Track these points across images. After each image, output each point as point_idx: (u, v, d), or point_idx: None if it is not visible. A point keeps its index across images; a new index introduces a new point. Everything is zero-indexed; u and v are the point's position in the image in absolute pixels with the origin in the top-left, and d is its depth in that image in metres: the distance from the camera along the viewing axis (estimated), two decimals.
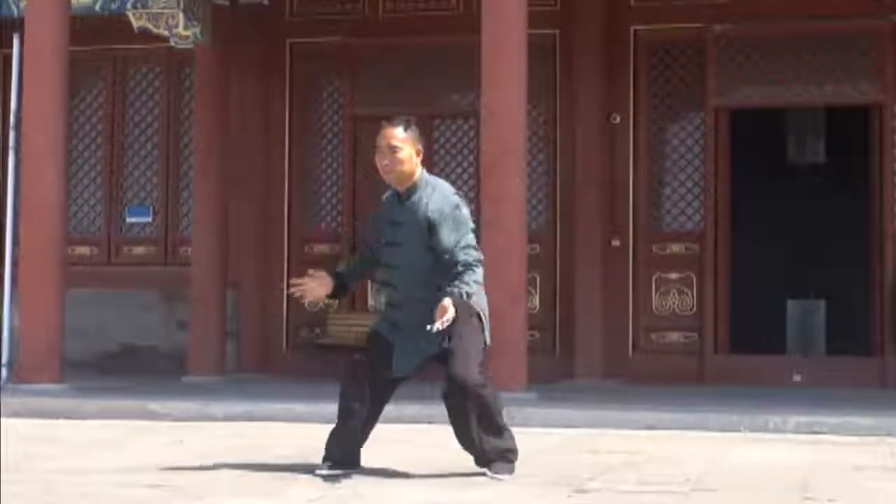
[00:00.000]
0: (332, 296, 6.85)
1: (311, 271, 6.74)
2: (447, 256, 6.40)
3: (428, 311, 6.34)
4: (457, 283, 6.34)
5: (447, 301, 6.26)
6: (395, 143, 6.56)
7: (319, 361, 13.40)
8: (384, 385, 6.65)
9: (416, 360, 6.55)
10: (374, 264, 6.85)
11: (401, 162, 6.57)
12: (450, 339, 6.38)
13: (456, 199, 6.57)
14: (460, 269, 6.37)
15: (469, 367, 6.41)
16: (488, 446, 6.54)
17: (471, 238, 6.50)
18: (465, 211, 6.56)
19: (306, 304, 6.70)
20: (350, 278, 6.98)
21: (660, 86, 13.68)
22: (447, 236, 6.41)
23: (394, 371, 6.55)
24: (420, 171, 6.67)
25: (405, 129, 6.60)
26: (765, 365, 13.32)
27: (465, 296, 6.31)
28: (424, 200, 6.52)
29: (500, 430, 6.58)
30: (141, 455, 7.57)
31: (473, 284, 6.38)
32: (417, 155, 6.64)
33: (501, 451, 6.56)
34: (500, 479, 6.41)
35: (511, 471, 6.51)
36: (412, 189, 6.60)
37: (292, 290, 6.72)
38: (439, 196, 6.54)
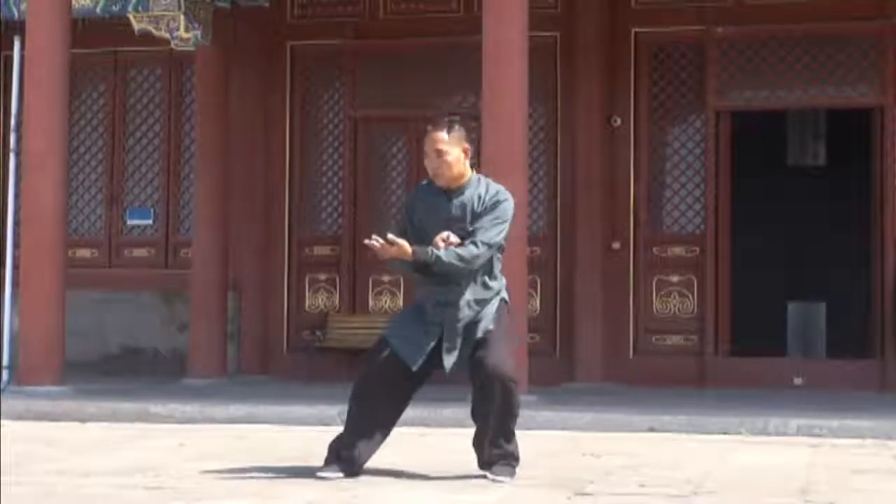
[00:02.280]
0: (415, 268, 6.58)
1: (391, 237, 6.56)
2: (476, 234, 6.45)
3: (476, 313, 6.49)
4: (449, 251, 6.39)
5: (402, 241, 6.35)
6: (440, 146, 6.57)
7: (320, 364, 13.41)
8: (405, 388, 6.60)
9: (460, 362, 6.54)
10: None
11: (449, 165, 6.58)
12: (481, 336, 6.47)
13: (507, 194, 6.66)
14: (471, 242, 6.44)
15: (504, 359, 6.50)
16: (496, 450, 6.54)
17: (498, 232, 6.54)
18: (510, 209, 6.62)
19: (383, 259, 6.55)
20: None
21: (660, 88, 13.68)
22: (488, 224, 6.49)
23: (446, 369, 6.53)
24: (471, 170, 6.70)
25: (449, 132, 6.61)
26: (765, 367, 13.32)
27: (430, 254, 6.33)
28: (477, 193, 6.55)
29: (510, 434, 6.60)
30: (141, 457, 7.57)
31: (455, 257, 6.38)
32: (465, 154, 6.66)
33: (505, 456, 6.56)
34: (500, 482, 6.41)
35: (512, 475, 6.51)
36: (464, 186, 6.60)
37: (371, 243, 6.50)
38: (492, 188, 6.65)
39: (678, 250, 13.58)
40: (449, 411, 9.73)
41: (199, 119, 13.74)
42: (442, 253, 6.40)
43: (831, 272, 15.57)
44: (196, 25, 13.07)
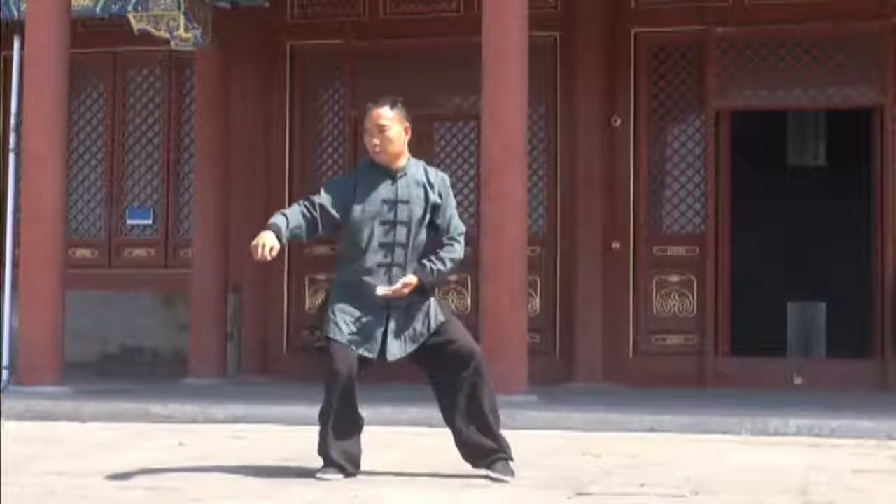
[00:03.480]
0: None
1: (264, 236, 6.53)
2: (447, 230, 6.58)
3: (424, 298, 6.56)
4: (435, 259, 6.50)
5: (413, 278, 6.43)
6: (383, 122, 6.58)
7: (320, 364, 13.38)
8: (359, 376, 6.59)
9: (412, 347, 6.55)
10: (314, 231, 6.69)
11: (391, 141, 6.59)
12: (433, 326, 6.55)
13: (444, 174, 6.75)
14: (449, 242, 6.57)
15: (473, 341, 6.61)
16: (489, 442, 6.54)
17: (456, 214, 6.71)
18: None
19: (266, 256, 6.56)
20: (290, 236, 6.68)
21: (660, 88, 13.68)
22: (451, 212, 6.62)
23: (387, 356, 6.53)
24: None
25: (392, 108, 6.62)
26: (765, 367, 13.31)
27: (434, 273, 6.46)
28: (423, 177, 6.57)
29: (498, 420, 6.62)
30: (141, 457, 7.57)
31: (449, 263, 6.53)
32: (406, 133, 6.66)
33: (499, 451, 6.55)
34: (504, 481, 6.41)
35: (512, 473, 6.51)
36: (406, 167, 6.62)
37: (256, 249, 6.51)
38: (434, 172, 6.67)
39: (678, 250, 13.58)
40: None
41: (199, 119, 13.73)
42: (439, 266, 6.45)
43: (831, 272, 15.57)
44: (196, 25, 13.06)
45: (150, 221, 14.85)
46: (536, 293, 13.51)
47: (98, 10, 13.20)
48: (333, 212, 6.59)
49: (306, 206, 6.61)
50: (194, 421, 9.96)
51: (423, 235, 6.61)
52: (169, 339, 14.31)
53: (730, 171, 13.47)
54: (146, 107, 15.03)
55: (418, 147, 14.06)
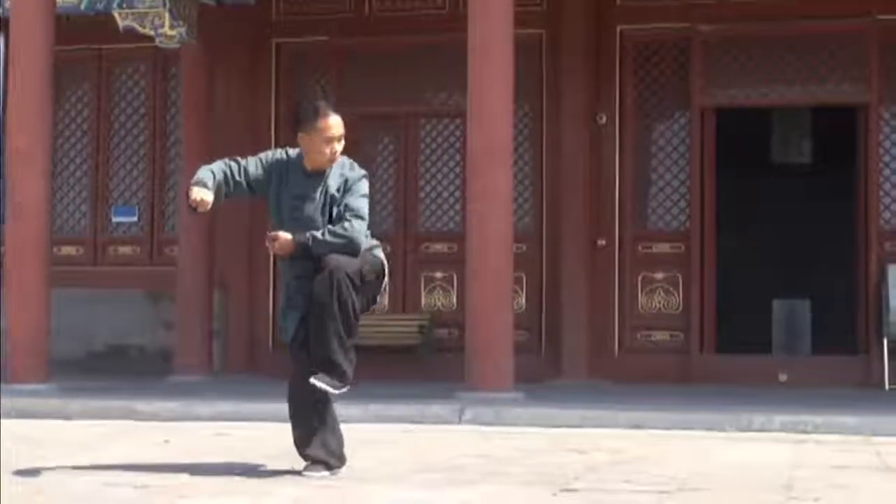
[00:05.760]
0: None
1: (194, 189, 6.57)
2: (339, 212, 6.50)
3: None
4: (324, 230, 6.43)
5: (284, 234, 6.43)
6: (342, 131, 6.60)
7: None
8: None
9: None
10: (233, 194, 6.75)
11: (341, 148, 6.60)
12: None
13: (363, 171, 6.68)
14: (341, 220, 6.46)
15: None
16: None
17: (363, 203, 6.55)
18: (366, 183, 6.64)
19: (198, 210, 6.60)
20: (217, 193, 6.71)
21: (646, 85, 13.71)
22: (349, 200, 6.50)
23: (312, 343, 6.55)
24: None
25: (336, 114, 6.62)
26: (750, 364, 13.36)
27: (310, 239, 6.40)
28: (338, 175, 6.56)
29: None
30: (127, 455, 7.56)
31: (329, 235, 6.40)
32: None
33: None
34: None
35: (335, 387, 6.41)
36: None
37: (193, 202, 6.54)
38: (349, 168, 6.62)
39: (663, 247, 13.61)
40: (435, 408, 9.75)
41: (185, 116, 13.72)
42: (317, 233, 6.41)
43: (816, 269, 15.62)
44: (181, 23, 13.05)
45: (135, 219, 14.83)
46: (522, 290, 13.53)
47: (83, 6, 13.19)
48: (252, 188, 6.68)
49: (231, 168, 6.64)
50: (180, 418, 9.95)
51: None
52: (154, 337, 14.30)
53: (715, 168, 13.50)
54: (131, 104, 15.01)
55: (403, 144, 14.16)
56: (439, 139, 14.15)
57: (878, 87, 13.11)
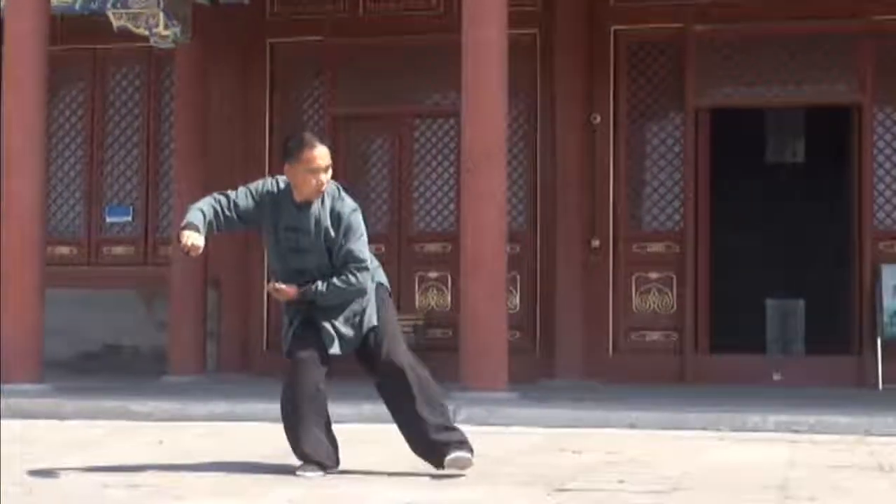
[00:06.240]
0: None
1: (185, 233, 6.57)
2: (342, 259, 6.57)
3: (345, 301, 6.60)
4: (328, 280, 6.54)
5: (287, 287, 6.57)
6: (329, 161, 6.63)
7: None
8: (322, 370, 6.66)
9: (349, 346, 6.62)
10: (225, 229, 6.83)
11: (328, 179, 6.61)
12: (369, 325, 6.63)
13: (354, 203, 6.70)
14: (345, 272, 6.55)
15: (399, 348, 6.67)
16: (441, 436, 6.55)
17: (363, 245, 6.63)
18: (359, 217, 6.69)
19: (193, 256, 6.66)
20: (208, 231, 6.74)
21: (640, 86, 13.71)
22: (346, 244, 6.57)
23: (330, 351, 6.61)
24: None
25: (324, 145, 6.64)
26: (744, 364, 13.37)
27: (314, 292, 6.53)
28: (328, 207, 6.58)
29: (444, 413, 6.65)
30: (121, 455, 7.56)
31: (333, 287, 6.52)
32: None
33: (455, 441, 6.58)
34: (462, 474, 6.42)
35: (470, 462, 6.50)
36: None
37: (185, 247, 6.53)
38: (339, 198, 6.65)
39: (657, 247, 13.62)
40: None
41: (179, 116, 13.70)
42: (322, 286, 6.51)
43: (810, 269, 15.63)
44: (175, 23, 13.04)
45: (129, 219, 14.82)
46: (516, 290, 13.53)
47: (77, 6, 13.16)
48: (244, 220, 6.77)
49: (220, 203, 6.65)
50: (174, 418, 9.94)
51: (328, 260, 6.60)
52: (148, 337, 14.28)
53: (709, 168, 13.51)
54: (125, 104, 15.00)
55: (398, 145, 14.16)
56: (433, 139, 14.15)
57: (871, 88, 13.13)
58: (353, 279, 6.55)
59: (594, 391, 11.99)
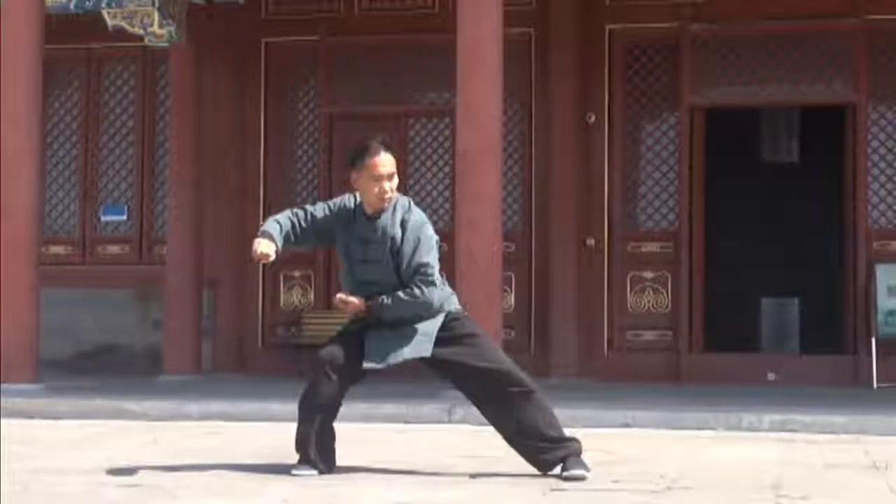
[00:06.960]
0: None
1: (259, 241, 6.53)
2: (411, 271, 6.49)
3: (413, 317, 6.51)
4: (395, 293, 6.46)
5: (354, 299, 6.50)
6: (393, 169, 6.55)
7: (295, 361, 13.39)
8: (349, 380, 6.63)
9: (391, 358, 6.56)
10: (305, 241, 6.82)
11: (395, 188, 6.56)
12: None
13: (424, 216, 6.65)
14: (411, 284, 6.49)
15: (501, 355, 6.69)
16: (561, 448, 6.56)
17: (432, 258, 6.56)
18: (429, 229, 6.63)
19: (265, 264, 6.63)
20: (285, 243, 6.68)
21: (635, 85, 13.72)
22: (413, 253, 6.50)
23: (366, 359, 6.55)
24: None
25: (388, 152, 6.58)
26: (739, 363, 13.38)
27: (381, 305, 6.46)
28: (398, 219, 6.53)
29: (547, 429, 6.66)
30: (116, 454, 7.55)
31: (398, 300, 6.45)
32: None
33: (570, 448, 6.59)
34: (583, 477, 6.40)
35: (587, 468, 6.49)
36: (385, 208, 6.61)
37: (255, 254, 6.48)
38: (408, 209, 6.60)
39: (652, 247, 13.62)
40: (424, 407, 9.75)
41: (174, 115, 13.70)
42: (387, 300, 6.45)
43: (805, 268, 15.64)
44: (170, 22, 13.04)
45: (124, 218, 14.81)
46: (511, 289, 13.53)
47: (72, 5, 13.16)
48: (318, 237, 6.77)
49: (298, 217, 6.63)
50: (169, 418, 9.94)
51: (395, 274, 6.52)
52: (143, 336, 14.28)
53: (704, 167, 13.52)
54: (120, 103, 14.99)
55: (393, 144, 14.13)
56: (428, 138, 14.15)
57: (866, 87, 13.14)
58: (417, 292, 6.44)
59: (589, 390, 11.99)
